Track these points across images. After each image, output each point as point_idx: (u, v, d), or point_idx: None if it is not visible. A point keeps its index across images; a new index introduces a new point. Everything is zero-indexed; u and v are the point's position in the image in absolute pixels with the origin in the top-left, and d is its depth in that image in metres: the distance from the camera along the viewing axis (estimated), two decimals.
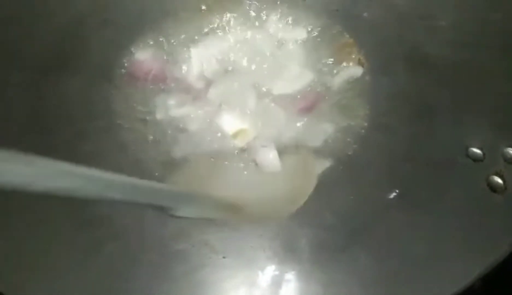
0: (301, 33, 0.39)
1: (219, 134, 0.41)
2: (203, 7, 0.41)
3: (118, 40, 0.41)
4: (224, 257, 0.38)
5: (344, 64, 0.39)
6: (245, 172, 0.40)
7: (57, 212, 0.37)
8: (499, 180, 0.36)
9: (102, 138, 0.40)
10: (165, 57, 0.40)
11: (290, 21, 0.40)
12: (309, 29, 0.39)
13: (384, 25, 0.38)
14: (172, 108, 0.39)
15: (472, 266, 0.34)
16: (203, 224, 0.39)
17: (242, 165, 0.40)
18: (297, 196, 0.40)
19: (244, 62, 0.40)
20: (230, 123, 0.39)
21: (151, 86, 0.40)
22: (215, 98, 0.39)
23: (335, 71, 0.39)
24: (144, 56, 0.40)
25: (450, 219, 0.36)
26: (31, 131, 0.39)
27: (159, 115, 0.40)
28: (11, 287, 0.33)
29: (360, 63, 0.39)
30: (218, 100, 0.39)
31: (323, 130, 0.40)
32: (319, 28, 0.39)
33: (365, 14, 0.38)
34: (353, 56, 0.39)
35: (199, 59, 0.39)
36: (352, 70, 0.39)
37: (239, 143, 0.40)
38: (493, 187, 0.36)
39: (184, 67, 0.40)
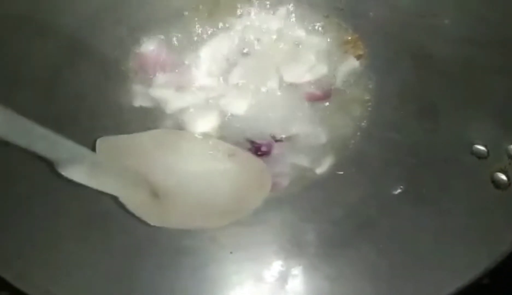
0: (302, 32, 0.40)
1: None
2: (210, 6, 0.41)
3: (127, 39, 0.41)
4: (231, 253, 0.39)
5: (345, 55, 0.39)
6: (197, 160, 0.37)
7: (66, 207, 0.37)
8: (503, 177, 0.37)
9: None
10: (177, 55, 0.40)
11: (293, 18, 0.40)
12: (312, 27, 0.40)
13: (388, 24, 0.39)
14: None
15: (477, 260, 0.35)
16: None
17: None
18: (241, 203, 0.37)
19: (255, 56, 0.40)
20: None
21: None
22: (237, 78, 0.40)
23: (337, 64, 0.40)
24: (153, 52, 0.40)
25: (455, 215, 0.37)
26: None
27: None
28: (21, 280, 0.33)
29: (359, 57, 0.40)
30: (240, 80, 0.40)
31: (329, 126, 0.41)
32: (324, 25, 0.40)
33: (370, 14, 0.39)
34: (356, 50, 0.39)
35: (208, 57, 0.40)
36: (350, 63, 0.40)
37: None
38: (497, 184, 0.37)
39: (194, 65, 0.40)
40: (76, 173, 0.29)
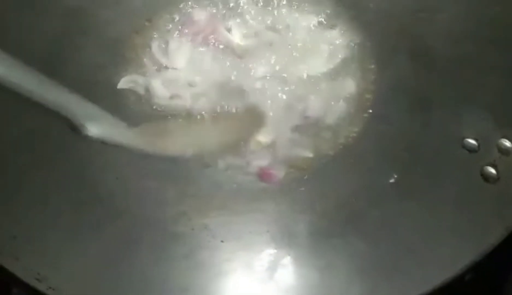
0: (311, 19, 0.40)
1: None
2: None
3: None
4: (222, 241, 0.39)
5: None
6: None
7: (56, 193, 0.38)
8: (493, 171, 0.37)
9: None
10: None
11: (295, 8, 0.41)
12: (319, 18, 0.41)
13: (388, 17, 0.39)
14: None
15: (464, 252, 0.35)
16: (204, 208, 0.40)
17: None
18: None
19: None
20: None
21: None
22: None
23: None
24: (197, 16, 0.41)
25: (444, 207, 0.37)
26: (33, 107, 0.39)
27: None
28: (12, 263, 0.34)
29: None
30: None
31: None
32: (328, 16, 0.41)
33: (371, 5, 0.39)
34: None
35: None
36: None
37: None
38: (486, 177, 0.37)
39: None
40: (100, 132, 0.36)
